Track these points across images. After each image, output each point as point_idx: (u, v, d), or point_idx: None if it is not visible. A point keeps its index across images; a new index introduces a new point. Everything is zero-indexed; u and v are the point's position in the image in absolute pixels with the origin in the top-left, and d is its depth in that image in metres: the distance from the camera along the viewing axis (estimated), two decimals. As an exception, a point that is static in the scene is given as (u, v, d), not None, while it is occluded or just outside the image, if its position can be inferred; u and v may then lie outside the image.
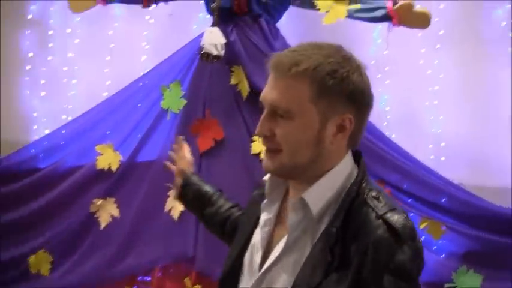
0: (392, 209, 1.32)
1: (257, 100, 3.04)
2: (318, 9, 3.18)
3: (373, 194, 1.35)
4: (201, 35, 3.29)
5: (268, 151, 1.38)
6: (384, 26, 3.37)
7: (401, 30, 3.20)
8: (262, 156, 1.51)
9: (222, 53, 3.12)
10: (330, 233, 1.31)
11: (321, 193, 1.35)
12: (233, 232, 1.70)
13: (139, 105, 3.41)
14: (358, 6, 3.15)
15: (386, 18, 3.11)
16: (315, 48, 1.33)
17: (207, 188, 1.95)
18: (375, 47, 3.54)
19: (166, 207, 3.26)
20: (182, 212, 3.19)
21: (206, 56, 3.10)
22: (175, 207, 3.23)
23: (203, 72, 3.30)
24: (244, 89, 3.22)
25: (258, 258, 1.46)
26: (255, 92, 3.18)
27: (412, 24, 3.10)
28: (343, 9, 3.15)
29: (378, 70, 3.42)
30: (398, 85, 3.53)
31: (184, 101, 3.32)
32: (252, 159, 3.17)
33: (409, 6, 3.03)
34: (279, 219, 1.47)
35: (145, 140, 3.39)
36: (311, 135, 1.33)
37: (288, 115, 1.32)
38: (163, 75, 3.41)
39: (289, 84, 1.31)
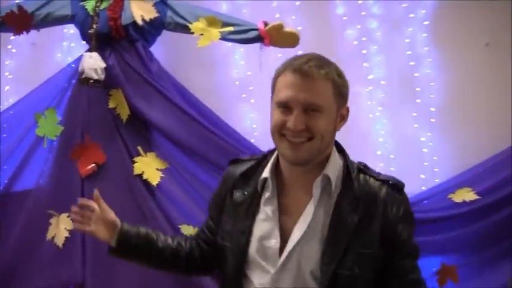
0: (380, 173, 2.17)
1: (137, 122, 3.94)
2: (192, 33, 3.93)
3: (361, 165, 2.16)
4: (75, 61, 4.03)
5: (297, 143, 2.04)
6: (245, 48, 4.34)
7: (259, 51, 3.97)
8: (288, 151, 2.08)
9: (102, 77, 3.78)
10: (347, 197, 2.08)
11: (333, 170, 2.10)
12: (202, 259, 2.40)
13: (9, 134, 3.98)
14: (231, 28, 3.92)
15: (258, 39, 3.87)
16: (320, 58, 2.11)
17: (143, 229, 2.48)
18: (237, 69, 4.42)
19: (49, 235, 3.83)
20: (66, 239, 3.79)
21: (86, 81, 3.76)
22: (58, 235, 3.81)
23: (80, 98, 3.92)
24: (124, 111, 3.87)
25: (275, 244, 2.10)
26: (134, 114, 3.90)
27: (283, 44, 3.87)
28: (216, 32, 3.91)
29: (242, 90, 4.35)
30: (263, 104, 4.43)
31: (61, 128, 3.93)
32: (135, 180, 3.84)
33: (279, 27, 3.81)
34: (281, 210, 2.15)
35: (21, 168, 3.95)
36: (333, 124, 2.09)
37: (320, 109, 2.03)
38: (37, 103, 3.99)
39: (319, 85, 2.03)
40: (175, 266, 2.49)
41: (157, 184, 3.88)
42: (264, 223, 2.18)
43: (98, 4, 3.89)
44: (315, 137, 2.05)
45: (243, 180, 2.31)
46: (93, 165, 3.85)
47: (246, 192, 2.26)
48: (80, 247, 3.81)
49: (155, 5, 3.96)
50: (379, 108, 4.40)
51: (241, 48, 4.41)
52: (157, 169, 3.91)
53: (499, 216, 4.01)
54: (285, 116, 2.07)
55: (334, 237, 2.05)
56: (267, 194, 2.20)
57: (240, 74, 4.42)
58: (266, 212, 2.18)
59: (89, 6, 3.92)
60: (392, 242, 2.08)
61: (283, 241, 2.12)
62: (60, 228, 3.85)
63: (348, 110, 2.18)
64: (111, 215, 2.53)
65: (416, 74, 4.42)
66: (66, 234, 3.82)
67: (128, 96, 3.92)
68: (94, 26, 3.86)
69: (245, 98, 4.36)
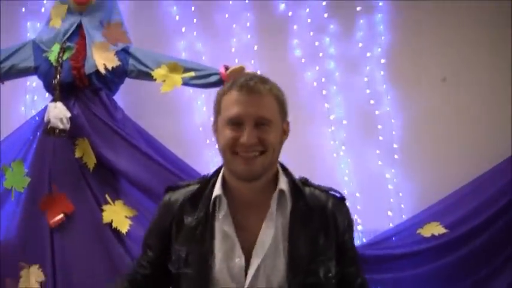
0: (319, 185, 2.45)
1: (104, 170, 4.17)
2: (155, 80, 4.27)
3: (303, 179, 2.43)
4: (39, 114, 4.32)
5: (251, 157, 2.23)
6: (206, 94, 4.69)
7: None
8: (241, 166, 2.25)
9: (68, 126, 4.05)
10: (299, 209, 2.33)
11: (285, 185, 2.34)
12: None
13: None
14: (192, 74, 4.26)
15: (220, 83, 4.17)
16: (261, 76, 2.40)
17: None
18: (200, 115, 4.77)
19: (20, 288, 4.05)
20: (35, 292, 4.01)
21: (52, 131, 4.02)
22: (29, 287, 4.03)
23: (46, 148, 4.18)
24: (90, 160, 4.14)
25: (240, 262, 2.26)
26: (101, 162, 4.17)
27: None
28: (179, 77, 4.26)
29: (206, 136, 4.68)
30: None
31: (28, 179, 4.18)
32: (104, 229, 4.09)
33: (241, 70, 4.12)
34: (237, 228, 2.31)
35: None
36: (279, 137, 2.31)
37: (269, 123, 2.24)
38: (3, 155, 4.24)
39: (265, 100, 2.26)
40: None
41: (126, 232, 4.12)
42: (224, 243, 2.32)
43: (60, 55, 4.18)
44: (267, 150, 2.26)
45: (191, 204, 2.42)
46: (62, 215, 4.10)
47: (197, 216, 2.38)
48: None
49: (117, 53, 4.27)
50: (343, 148, 4.76)
51: (202, 94, 4.76)
52: (126, 217, 4.17)
53: (468, 249, 4.34)
54: (236, 132, 2.25)
55: (295, 248, 2.27)
56: (222, 212, 2.34)
57: (203, 119, 4.76)
58: (223, 230, 2.32)
59: (52, 57, 4.21)
60: (341, 250, 2.38)
61: (246, 259, 2.28)
62: (31, 280, 4.07)
63: (288, 124, 2.41)
64: None
65: (377, 112, 4.81)
66: (37, 286, 4.06)
67: (94, 145, 4.19)
68: (58, 76, 4.14)
69: (210, 144, 4.67)
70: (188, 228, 2.38)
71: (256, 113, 2.25)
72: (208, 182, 2.45)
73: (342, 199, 2.47)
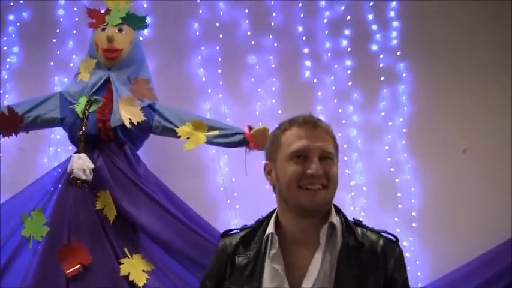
0: (373, 227, 2.42)
1: (124, 223, 4.18)
2: (179, 137, 4.27)
3: (356, 220, 2.42)
4: (62, 164, 4.34)
5: (317, 189, 2.26)
6: (229, 156, 4.73)
7: (248, 157, 4.31)
8: (306, 199, 2.27)
9: (91, 177, 4.04)
10: (349, 248, 2.28)
11: (336, 219, 2.34)
12: None
13: None
14: (216, 132, 4.28)
15: (243, 142, 4.23)
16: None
17: None
18: (222, 175, 4.78)
19: (31, 335, 4.00)
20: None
21: (75, 181, 4.00)
22: None
23: (67, 199, 4.16)
24: (111, 213, 4.11)
25: None
26: (122, 215, 4.14)
27: None
28: (203, 135, 4.27)
29: (226, 196, 4.70)
30: (247, 209, 4.68)
31: (47, 229, 4.14)
32: (121, 282, 4.03)
33: (264, 131, 4.16)
34: (287, 265, 2.32)
35: (5, 269, 4.15)
36: (337, 173, 2.33)
37: (332, 156, 2.30)
38: (24, 204, 4.25)
39: (327, 135, 2.32)
40: None
41: (143, 286, 4.05)
42: (273, 280, 2.32)
43: (87, 107, 4.21)
44: (331, 182, 2.29)
45: (243, 244, 2.46)
46: (79, 266, 4.05)
47: (249, 255, 2.41)
48: None
49: (143, 109, 4.30)
50: (362, 214, 4.73)
51: (225, 155, 4.78)
52: (144, 271, 4.11)
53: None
54: (302, 166, 2.28)
55: (341, 283, 2.25)
56: (273, 251, 2.34)
57: (224, 180, 4.77)
58: (273, 267, 2.33)
59: (78, 109, 4.24)
60: (395, 281, 2.32)
61: None
62: (47, 328, 4.01)
63: (337, 164, 2.39)
64: None
65: (397, 180, 4.83)
66: (47, 331, 3.99)
67: (115, 198, 4.17)
68: (83, 127, 4.16)
69: (230, 204, 4.69)
70: (239, 268, 2.42)
71: (322, 147, 2.30)
72: (261, 223, 2.50)
73: (395, 240, 2.41)
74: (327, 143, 2.32)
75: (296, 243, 2.37)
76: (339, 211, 2.44)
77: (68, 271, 4.08)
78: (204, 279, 2.59)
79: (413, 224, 4.72)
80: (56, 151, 4.77)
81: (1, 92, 4.94)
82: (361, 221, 2.47)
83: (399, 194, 4.82)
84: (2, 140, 4.62)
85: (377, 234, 2.39)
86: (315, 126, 2.33)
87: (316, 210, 2.30)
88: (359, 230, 2.39)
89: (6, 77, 5.00)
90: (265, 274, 2.35)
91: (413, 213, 4.77)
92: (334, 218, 2.37)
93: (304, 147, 2.29)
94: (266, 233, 2.41)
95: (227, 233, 2.59)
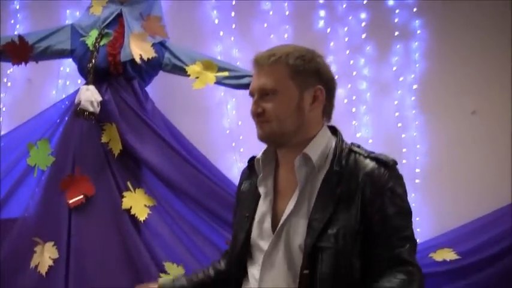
0: (373, 152, 2.34)
1: (128, 158, 4.20)
2: (188, 75, 4.27)
3: (355, 144, 2.36)
4: (69, 96, 4.34)
5: (260, 123, 2.31)
6: (237, 99, 4.71)
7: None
8: (257, 131, 2.35)
9: (98, 110, 4.05)
10: (332, 173, 2.24)
11: (315, 149, 2.30)
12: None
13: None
14: (226, 73, 4.27)
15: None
16: (284, 45, 2.38)
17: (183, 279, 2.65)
18: (229, 118, 4.76)
19: (32, 263, 4.05)
20: (50, 267, 4.01)
21: (82, 113, 4.02)
22: (42, 263, 4.03)
23: (73, 130, 4.20)
24: (116, 146, 4.13)
25: (268, 225, 2.34)
26: (126, 150, 4.16)
27: None
28: (212, 75, 4.27)
29: (232, 139, 4.70)
30: (252, 153, 4.72)
31: (53, 158, 4.19)
32: (122, 215, 4.06)
33: None
34: (275, 192, 2.38)
35: (9, 196, 4.19)
36: (293, 105, 2.30)
37: (274, 92, 2.29)
38: (30, 133, 4.27)
39: (271, 70, 2.30)
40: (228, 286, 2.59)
41: (144, 220, 4.09)
42: (263, 205, 2.42)
43: (97, 40, 4.21)
44: (271, 117, 2.31)
45: (250, 171, 2.56)
46: (82, 196, 4.09)
47: (251, 182, 2.51)
48: (63, 277, 4.01)
49: (154, 45, 4.28)
50: (366, 167, 4.68)
51: (233, 98, 4.76)
52: (145, 205, 4.14)
53: (478, 277, 4.29)
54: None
55: (318, 210, 2.24)
56: (260, 175, 2.44)
57: (231, 123, 4.76)
58: (262, 191, 2.43)
59: (89, 41, 4.23)
60: (373, 217, 2.22)
61: (278, 220, 2.34)
62: (45, 256, 4.06)
63: (321, 90, 2.35)
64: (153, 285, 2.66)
65: (403, 135, 4.79)
66: (50, 263, 4.04)
67: (121, 132, 4.18)
68: (93, 60, 4.16)
69: (235, 147, 4.69)
70: (242, 193, 2.58)
71: (259, 85, 2.35)
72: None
73: (387, 164, 2.29)
74: (267, 79, 2.33)
75: (283, 169, 2.43)
76: (337, 136, 2.41)
77: (71, 201, 4.12)
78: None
79: (416, 181, 4.68)
80: (64, 84, 4.77)
81: (12, 21, 4.90)
82: (359, 146, 2.41)
83: (404, 150, 4.77)
84: (11, 70, 4.60)
85: (370, 158, 2.31)
86: (257, 64, 2.38)
87: (268, 142, 2.39)
88: (352, 155, 2.33)
89: (17, 7, 4.97)
90: (260, 199, 2.44)
91: (417, 170, 4.73)
92: (312, 148, 2.33)
93: (251, 88, 2.40)
94: (256, 158, 2.48)
95: (251, 159, 2.61)
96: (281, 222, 2.30)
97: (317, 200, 2.26)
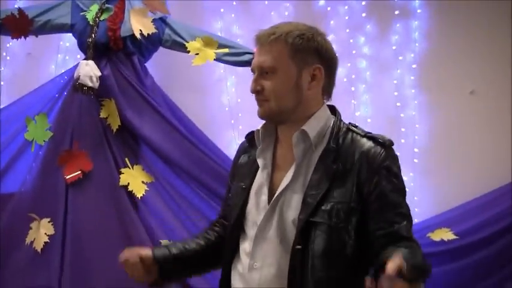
0: (370, 132, 2.32)
1: (127, 134, 4.21)
2: (188, 52, 4.26)
3: (352, 124, 2.35)
4: (68, 71, 4.32)
5: (260, 101, 2.31)
6: (237, 76, 4.70)
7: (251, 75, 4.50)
8: (258, 109, 2.32)
9: (97, 85, 4.05)
10: (329, 150, 2.24)
11: (313, 126, 2.29)
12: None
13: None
14: (226, 50, 4.27)
15: (252, 63, 4.34)
16: (286, 23, 2.34)
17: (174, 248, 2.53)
18: (228, 96, 4.75)
19: (28, 239, 4.06)
20: (46, 244, 4.02)
21: (81, 87, 4.02)
22: (37, 239, 4.04)
23: (71, 105, 4.19)
24: (115, 122, 4.14)
25: (265, 197, 2.33)
26: (125, 125, 4.16)
27: None
28: (212, 52, 4.26)
29: (231, 116, 4.69)
30: (251, 130, 4.77)
31: (50, 133, 4.18)
32: (119, 191, 4.08)
33: None
34: (273, 165, 2.38)
35: (6, 171, 4.19)
36: (291, 84, 2.29)
37: (273, 70, 2.28)
38: (28, 108, 4.26)
39: (270, 48, 2.28)
40: (214, 260, 2.59)
41: (141, 197, 4.10)
42: (259, 177, 2.41)
43: (98, 15, 4.19)
44: (270, 95, 2.30)
45: (250, 145, 2.54)
46: (79, 172, 4.09)
47: (250, 155, 2.50)
48: (58, 253, 4.04)
49: (154, 21, 4.26)
50: (365, 146, 4.68)
51: (233, 75, 4.75)
52: (143, 182, 4.15)
53: (476, 257, 4.33)
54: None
55: (313, 186, 2.23)
56: (259, 147, 2.43)
57: (230, 100, 4.75)
58: (260, 163, 2.41)
59: (90, 16, 4.22)
60: (369, 195, 2.21)
61: (274, 193, 2.33)
62: (41, 232, 4.07)
63: (320, 69, 2.32)
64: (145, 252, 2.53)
65: (402, 115, 4.79)
66: (46, 239, 4.05)
67: (120, 107, 4.18)
68: (93, 35, 4.15)
69: (234, 124, 4.68)
70: (240, 166, 2.55)
71: (258, 63, 2.34)
72: None
73: (384, 144, 2.27)
74: (266, 57, 2.32)
75: (281, 145, 2.43)
76: (335, 115, 2.41)
77: (68, 177, 4.11)
78: (228, 179, 2.68)
79: (415, 160, 4.69)
80: (64, 59, 4.72)
81: (13, -4, 4.87)
82: (357, 126, 2.39)
83: (403, 129, 4.78)
84: (10, 44, 4.58)
85: (367, 138, 2.30)
86: (258, 41, 2.37)
87: (267, 120, 2.38)
88: (350, 134, 2.32)
89: (18, -19, 4.92)
90: (259, 170, 2.43)
91: (416, 149, 4.74)
92: (311, 125, 2.32)
93: (252, 65, 2.39)
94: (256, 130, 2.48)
95: (249, 134, 2.59)
96: (276, 194, 2.31)
97: (313, 176, 2.26)
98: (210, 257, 2.59)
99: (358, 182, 2.21)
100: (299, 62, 2.31)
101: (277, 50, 2.30)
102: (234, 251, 2.42)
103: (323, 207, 2.19)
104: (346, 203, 2.20)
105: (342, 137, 2.30)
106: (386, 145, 2.27)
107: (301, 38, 2.31)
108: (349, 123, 2.39)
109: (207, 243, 2.61)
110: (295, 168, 2.30)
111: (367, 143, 2.27)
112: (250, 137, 2.52)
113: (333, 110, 2.43)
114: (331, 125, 2.35)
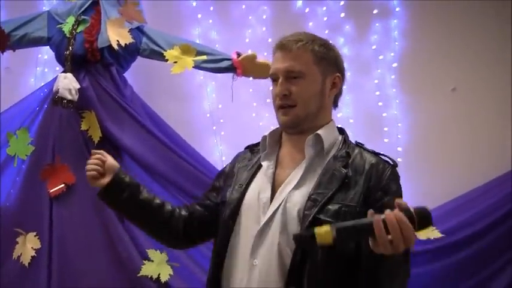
0: (373, 150, 2.46)
1: (108, 145, 4.22)
2: (166, 60, 4.25)
3: (358, 141, 2.49)
4: (48, 84, 4.32)
5: (284, 108, 2.40)
6: (217, 82, 4.70)
7: (236, 85, 4.37)
8: (281, 116, 2.42)
9: (76, 97, 4.03)
10: (341, 156, 2.37)
11: (327, 133, 2.39)
12: (200, 223, 2.61)
13: None
14: (204, 57, 4.27)
15: (231, 69, 4.24)
16: (306, 33, 2.46)
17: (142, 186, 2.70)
18: (209, 102, 4.75)
19: (15, 254, 4.06)
20: (33, 258, 4.02)
21: (60, 101, 4.00)
22: (24, 254, 4.04)
23: (52, 118, 4.19)
24: (96, 134, 4.12)
25: (267, 194, 2.38)
26: (106, 137, 4.15)
27: (255, 75, 4.27)
28: (190, 60, 4.25)
29: (213, 122, 4.69)
30: (233, 136, 4.67)
31: (32, 148, 4.18)
32: (103, 203, 4.16)
33: (253, 57, 4.21)
34: (276, 166, 2.44)
35: None
36: (317, 89, 2.42)
37: (301, 75, 2.39)
38: (9, 122, 4.24)
39: (298, 54, 2.40)
40: (170, 227, 2.64)
41: None
42: (261, 177, 2.47)
43: (74, 27, 4.18)
44: (297, 100, 2.40)
45: (250, 152, 2.65)
46: (62, 185, 4.09)
47: (250, 160, 2.59)
48: (46, 267, 4.02)
49: (131, 31, 4.26)
50: (347, 146, 4.69)
51: (213, 81, 4.75)
52: (127, 193, 4.12)
53: (463, 254, 4.34)
54: (275, 88, 2.46)
55: (321, 186, 2.31)
56: (265, 151, 2.51)
57: (211, 106, 4.75)
58: (265, 165, 2.49)
59: (66, 28, 4.21)
60: (375, 204, 2.26)
61: (273, 193, 2.41)
62: (27, 247, 4.07)
63: (340, 78, 2.50)
64: (112, 161, 2.83)
65: (384, 114, 4.81)
66: (33, 253, 4.04)
67: (100, 119, 4.17)
68: (70, 47, 4.14)
69: (215, 131, 4.69)
70: (238, 168, 2.61)
71: (287, 67, 2.41)
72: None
73: (389, 162, 2.43)
74: (295, 62, 2.41)
75: (287, 152, 2.51)
76: (342, 132, 2.55)
77: (52, 190, 4.11)
78: (215, 177, 2.77)
79: (399, 159, 4.65)
80: (43, 71, 4.72)
81: (-12, 10, 4.85)
82: (363, 144, 2.51)
83: (386, 129, 4.80)
84: (-8, 58, 4.58)
85: (375, 154, 2.44)
86: (285, 48, 2.44)
87: (290, 127, 2.47)
88: (357, 149, 2.45)
89: (-7, -5, 4.90)
90: (260, 171, 2.50)
91: (399, 149, 4.75)
92: (324, 132, 2.43)
93: (274, 70, 2.47)
94: (263, 136, 2.56)
95: (248, 146, 2.73)
96: (282, 197, 2.35)
97: (322, 177, 2.34)
98: (162, 219, 2.64)
99: (366, 189, 2.31)
100: (323, 69, 2.45)
101: (305, 56, 2.42)
102: (225, 249, 2.44)
103: (330, 206, 2.27)
104: (354, 207, 2.29)
105: (351, 149, 2.42)
106: (392, 164, 2.42)
107: (324, 47, 2.48)
108: (355, 141, 2.53)
109: (171, 211, 2.66)
110: (306, 167, 2.37)
111: (375, 158, 2.43)
112: (251, 146, 2.66)
113: (340, 130, 2.57)
114: (340, 138, 2.48)
